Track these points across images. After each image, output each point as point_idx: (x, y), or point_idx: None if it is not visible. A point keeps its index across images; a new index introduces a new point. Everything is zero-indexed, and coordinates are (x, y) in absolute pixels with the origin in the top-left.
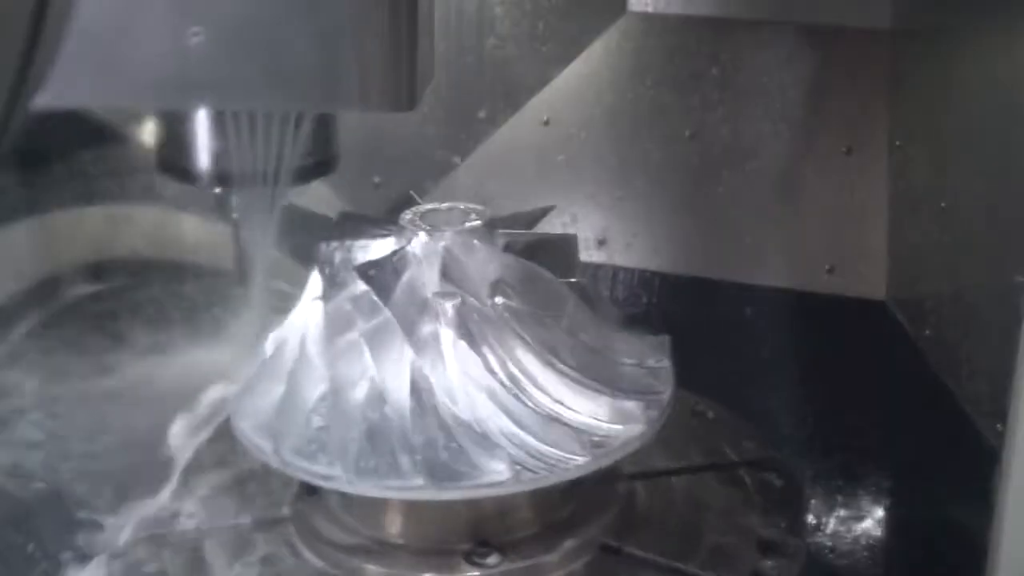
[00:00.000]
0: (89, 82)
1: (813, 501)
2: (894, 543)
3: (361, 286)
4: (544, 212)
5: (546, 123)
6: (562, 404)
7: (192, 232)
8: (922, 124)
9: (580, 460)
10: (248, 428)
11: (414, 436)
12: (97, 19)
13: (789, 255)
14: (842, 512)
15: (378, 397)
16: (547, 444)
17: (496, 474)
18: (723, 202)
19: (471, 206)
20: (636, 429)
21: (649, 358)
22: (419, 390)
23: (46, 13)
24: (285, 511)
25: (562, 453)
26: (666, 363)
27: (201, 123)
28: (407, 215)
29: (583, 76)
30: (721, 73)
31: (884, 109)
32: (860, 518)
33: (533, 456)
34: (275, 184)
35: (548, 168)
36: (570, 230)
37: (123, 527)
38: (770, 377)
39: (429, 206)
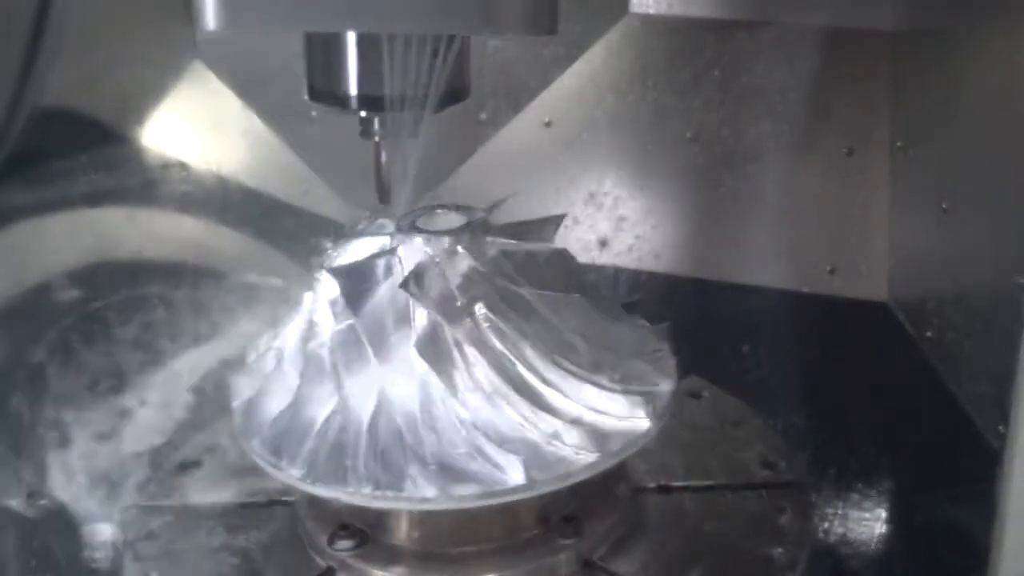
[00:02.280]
0: (252, 10)
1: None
2: (895, 545)
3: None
4: (558, 221)
5: (548, 124)
6: (549, 409)
7: (193, 232)
8: (923, 125)
9: (588, 460)
10: (259, 446)
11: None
12: None
13: (790, 256)
14: (843, 514)
15: (346, 408)
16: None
17: (510, 478)
18: (725, 203)
19: (472, 208)
20: (641, 425)
21: (648, 347)
22: (387, 405)
23: (48, 15)
24: None
25: (571, 450)
26: (666, 351)
27: (351, 48)
28: (404, 217)
29: (585, 78)
30: (722, 75)
31: (885, 110)
32: (861, 520)
33: (540, 461)
34: (423, 108)
35: (550, 169)
36: (572, 232)
37: None
38: (772, 379)
39: (429, 208)
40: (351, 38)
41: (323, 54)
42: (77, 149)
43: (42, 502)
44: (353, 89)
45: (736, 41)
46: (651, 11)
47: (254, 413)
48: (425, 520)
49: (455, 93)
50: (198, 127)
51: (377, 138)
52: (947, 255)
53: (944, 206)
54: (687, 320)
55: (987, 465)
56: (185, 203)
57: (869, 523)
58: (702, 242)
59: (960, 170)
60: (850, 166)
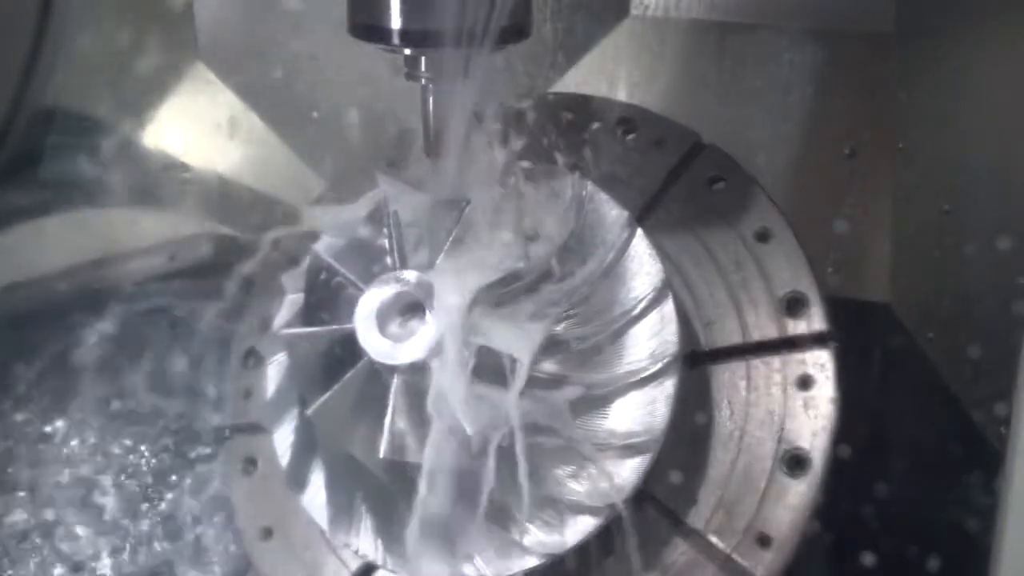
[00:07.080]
0: None
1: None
2: (897, 546)
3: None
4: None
5: None
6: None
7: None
8: (925, 126)
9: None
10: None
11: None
12: None
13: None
14: (843, 516)
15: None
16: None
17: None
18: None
19: (407, 281)
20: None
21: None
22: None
23: (49, 16)
24: None
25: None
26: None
27: None
28: (359, 324)
29: (585, 80)
30: (723, 76)
31: (887, 112)
32: (862, 521)
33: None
34: (480, 44)
35: None
36: None
37: None
38: None
39: (368, 295)
40: None
41: None
42: (77, 149)
43: None
44: (398, 22)
45: (737, 43)
46: (652, 13)
47: (344, 522)
48: None
49: (516, 29)
50: (199, 128)
51: (424, 80)
52: (949, 256)
53: (946, 207)
54: None
55: (988, 465)
56: (185, 203)
57: (869, 523)
58: None
59: (962, 171)
60: (852, 167)
